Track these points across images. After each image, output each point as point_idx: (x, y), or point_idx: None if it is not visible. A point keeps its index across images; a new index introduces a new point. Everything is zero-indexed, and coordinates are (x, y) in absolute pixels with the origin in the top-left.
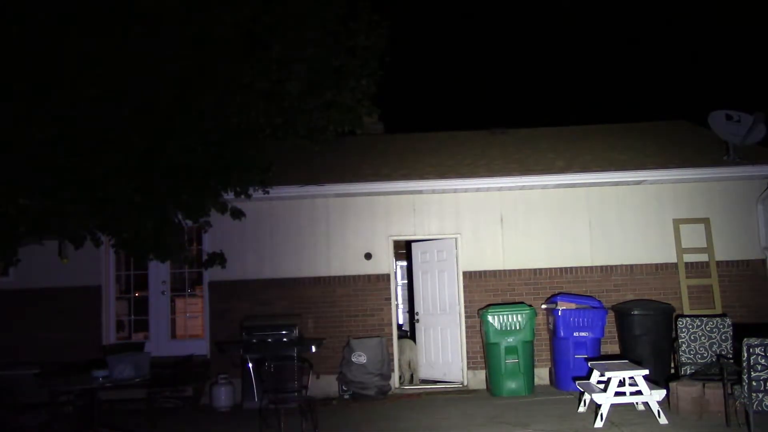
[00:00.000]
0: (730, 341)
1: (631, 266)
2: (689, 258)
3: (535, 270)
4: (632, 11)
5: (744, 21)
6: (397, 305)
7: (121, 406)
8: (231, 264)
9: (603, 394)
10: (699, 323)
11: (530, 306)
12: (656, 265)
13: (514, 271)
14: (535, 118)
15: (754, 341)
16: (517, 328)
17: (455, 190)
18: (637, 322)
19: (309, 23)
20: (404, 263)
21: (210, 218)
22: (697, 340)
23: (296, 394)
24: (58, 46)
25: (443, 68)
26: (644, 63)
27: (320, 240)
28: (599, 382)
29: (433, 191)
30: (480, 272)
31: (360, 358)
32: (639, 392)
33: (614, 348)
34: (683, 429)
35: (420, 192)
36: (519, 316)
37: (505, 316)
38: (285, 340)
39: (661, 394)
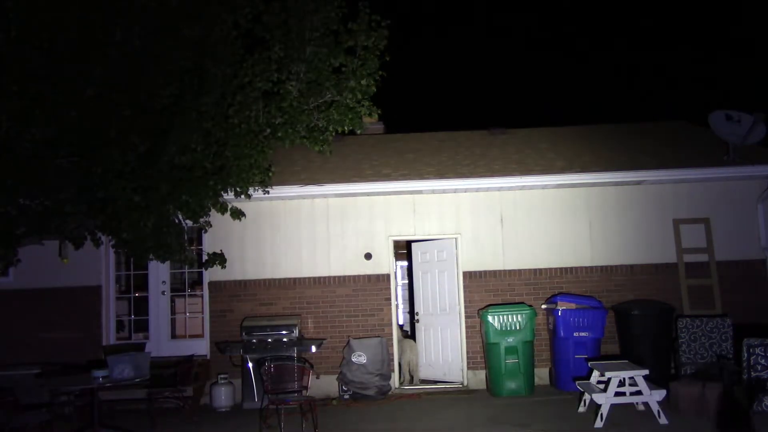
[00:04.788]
0: (730, 341)
1: (631, 266)
2: (689, 258)
3: (535, 270)
4: (632, 11)
5: (744, 21)
6: (397, 305)
7: (121, 406)
8: (231, 264)
9: (603, 394)
10: (699, 323)
11: (530, 306)
12: (656, 265)
13: (514, 271)
14: (535, 118)
15: (754, 341)
16: (517, 328)
17: (455, 190)
18: (637, 322)
19: (309, 23)
20: (404, 263)
21: (210, 218)
22: (697, 340)
23: (296, 394)
24: (57, 45)
25: (443, 68)
26: (644, 63)
27: (320, 240)
28: (599, 382)
29: (433, 191)
30: (480, 272)
31: (360, 358)
32: (639, 392)
33: (614, 348)
34: (683, 429)
35: (420, 192)
36: (519, 316)
37: (505, 316)
38: (285, 340)
39: (661, 394)
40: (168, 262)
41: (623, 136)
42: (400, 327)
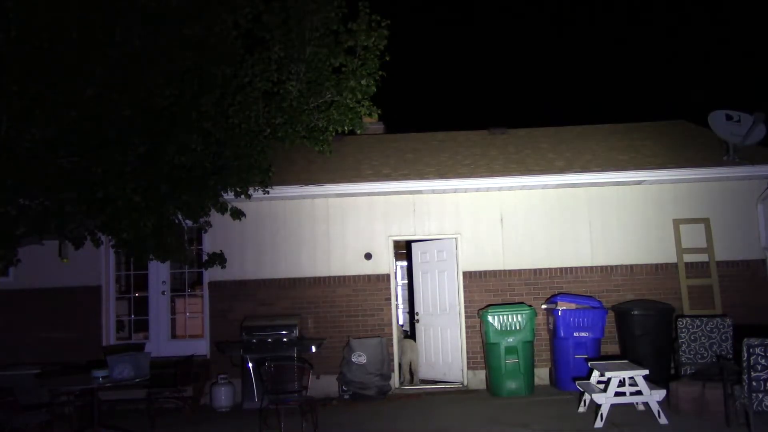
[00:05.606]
0: (730, 341)
1: (631, 266)
2: (689, 258)
3: (535, 270)
4: (632, 11)
5: (744, 21)
6: (397, 305)
7: (121, 406)
8: (231, 264)
9: (603, 394)
10: (699, 323)
11: (530, 306)
12: (656, 265)
13: (514, 271)
14: (535, 118)
15: (754, 341)
16: (517, 328)
17: (455, 190)
18: (637, 322)
19: (309, 23)
20: (404, 263)
21: (210, 218)
22: (697, 340)
23: (296, 394)
24: (57, 45)
25: (443, 68)
26: (644, 63)
27: (320, 240)
28: (599, 382)
29: (433, 191)
30: (480, 272)
31: (360, 358)
32: (639, 392)
33: (614, 348)
34: (683, 429)
35: (420, 192)
36: (519, 316)
37: (505, 316)
38: (285, 340)
39: (661, 394)
40: (168, 262)
41: (623, 136)
42: (400, 327)
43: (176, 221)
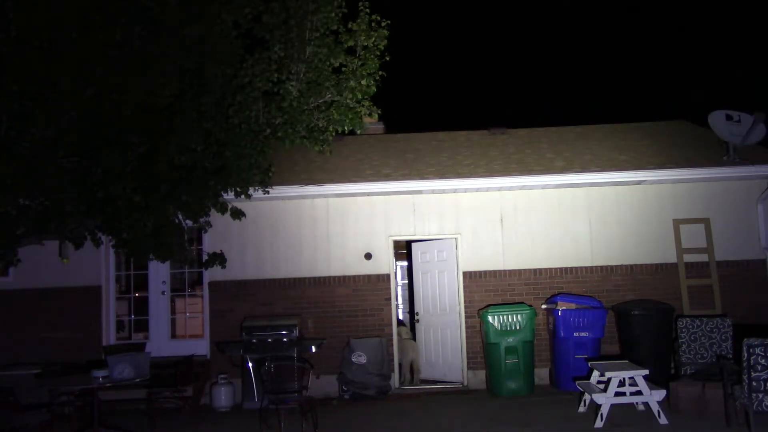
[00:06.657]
0: (730, 341)
1: (631, 266)
2: (689, 258)
3: (535, 270)
4: (632, 10)
5: (744, 21)
6: (397, 305)
7: (121, 406)
8: (231, 264)
9: (603, 394)
10: (699, 323)
11: (530, 306)
12: (656, 265)
13: (514, 271)
14: (535, 118)
15: (754, 341)
16: (517, 328)
17: (455, 190)
18: (637, 322)
19: (309, 23)
20: (404, 263)
21: (210, 218)
22: (697, 340)
23: (296, 394)
24: (57, 45)
25: (443, 68)
26: (644, 63)
27: (320, 240)
28: (599, 382)
29: (433, 191)
30: (480, 272)
31: (360, 358)
32: (639, 392)
33: (614, 348)
34: (683, 429)
35: (420, 192)
36: (519, 316)
37: (505, 316)
38: (285, 340)
39: (661, 394)
40: (168, 262)
41: (623, 136)
42: (405, 326)
43: (176, 221)
